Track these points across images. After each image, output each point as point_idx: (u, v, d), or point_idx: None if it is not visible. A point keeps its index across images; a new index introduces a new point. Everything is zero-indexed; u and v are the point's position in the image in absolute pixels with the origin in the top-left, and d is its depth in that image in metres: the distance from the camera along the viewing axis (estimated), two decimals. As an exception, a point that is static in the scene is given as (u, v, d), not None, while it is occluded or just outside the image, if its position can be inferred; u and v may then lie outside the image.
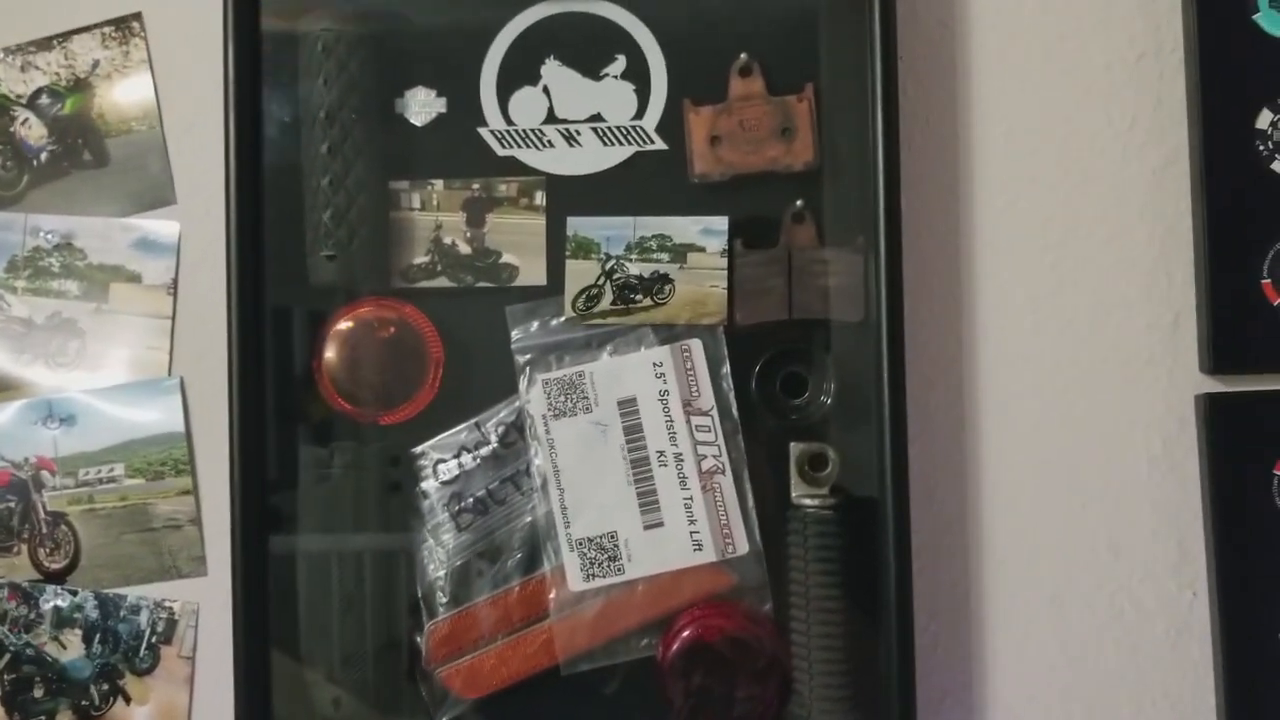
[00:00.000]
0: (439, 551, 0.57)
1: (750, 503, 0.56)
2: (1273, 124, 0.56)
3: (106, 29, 0.63)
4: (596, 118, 0.58)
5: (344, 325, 0.58)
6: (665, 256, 0.57)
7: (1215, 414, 0.56)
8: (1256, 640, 0.55)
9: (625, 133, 0.57)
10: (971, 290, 0.58)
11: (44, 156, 0.63)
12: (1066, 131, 0.57)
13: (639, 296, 0.57)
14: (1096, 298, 0.57)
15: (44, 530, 0.61)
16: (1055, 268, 0.57)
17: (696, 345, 0.57)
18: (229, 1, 0.56)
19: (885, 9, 0.54)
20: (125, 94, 0.63)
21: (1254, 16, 0.56)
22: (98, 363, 0.62)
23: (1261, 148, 0.56)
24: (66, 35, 0.63)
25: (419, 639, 0.57)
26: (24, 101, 0.63)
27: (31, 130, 0.63)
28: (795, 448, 0.56)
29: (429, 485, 0.57)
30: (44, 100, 0.63)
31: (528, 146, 0.58)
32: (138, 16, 0.63)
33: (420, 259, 0.58)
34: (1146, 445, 0.57)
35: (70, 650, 0.61)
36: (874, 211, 0.54)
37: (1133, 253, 0.57)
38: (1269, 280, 0.56)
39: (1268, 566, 0.56)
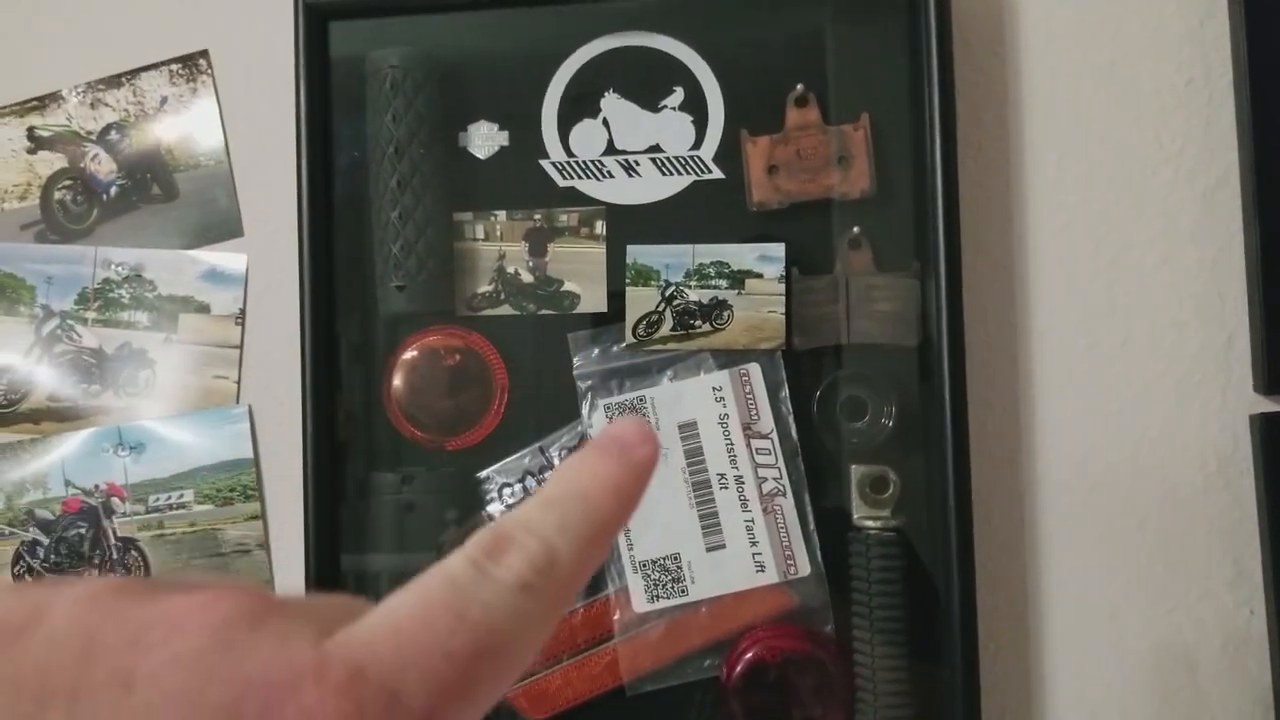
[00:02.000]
0: (505, 574, 0.58)
1: (811, 524, 0.57)
2: (1322, 146, 0.57)
3: (174, 66, 0.65)
4: (655, 148, 0.59)
5: (411, 354, 0.59)
6: (724, 283, 0.58)
7: (1269, 433, 0.56)
8: (1315, 657, 0.56)
9: (683, 163, 0.59)
10: (1027, 313, 0.58)
11: (113, 191, 0.65)
12: (1117, 156, 0.58)
13: (698, 322, 0.58)
14: (1150, 319, 0.58)
15: (114, 555, 0.63)
16: (1109, 290, 0.58)
17: (755, 369, 0.58)
18: (299, 38, 0.57)
19: (941, 39, 0.55)
20: (193, 129, 0.64)
21: (1301, 41, 0.57)
22: (167, 392, 0.63)
23: (1311, 170, 0.57)
24: (135, 73, 0.65)
25: (486, 660, 0.58)
26: (94, 138, 0.65)
27: (101, 165, 0.65)
28: (856, 470, 0.57)
29: (495, 509, 0.59)
30: (113, 136, 0.65)
31: (588, 177, 0.59)
32: (204, 54, 0.65)
33: (484, 288, 0.60)
34: (1202, 464, 0.58)
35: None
36: (933, 237, 0.55)
37: (1185, 274, 0.58)
38: (1321, 300, 0.57)
39: (1325, 584, 0.56)
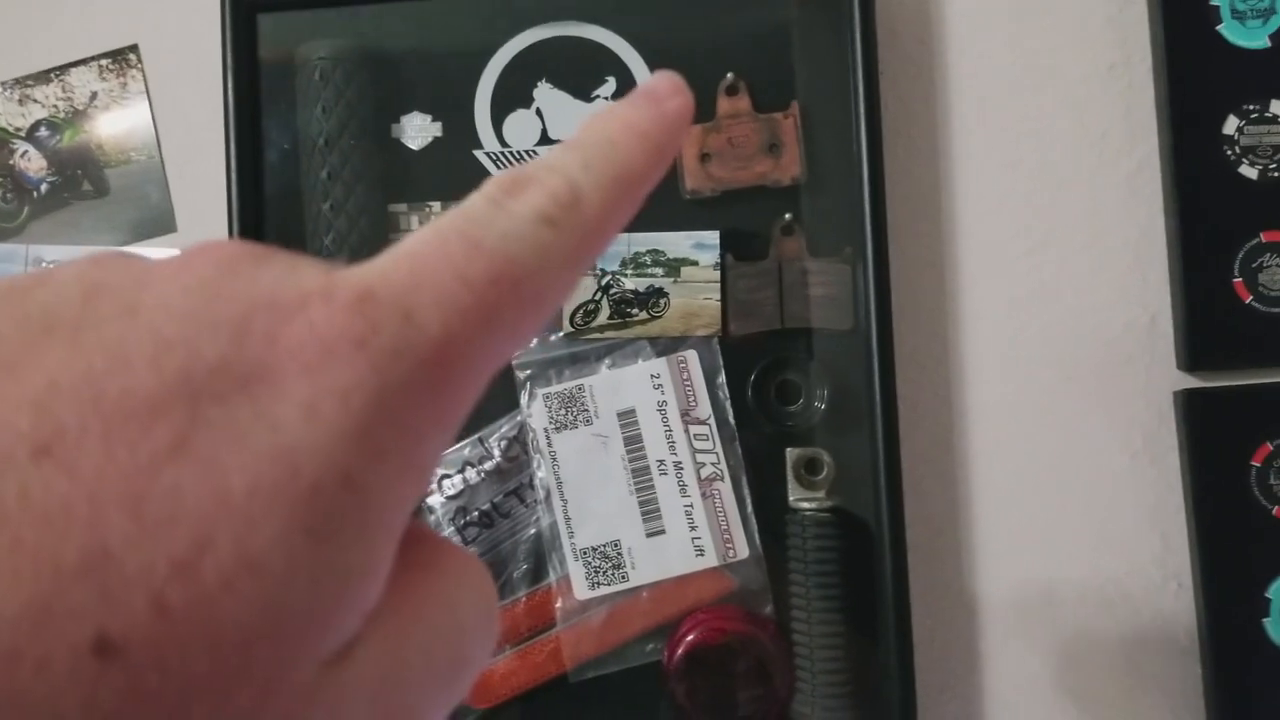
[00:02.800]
0: (446, 565, 0.58)
1: (749, 508, 0.57)
2: (1239, 130, 0.59)
3: (103, 61, 0.64)
4: (589, 138, 0.59)
5: (347, 346, 0.59)
6: (660, 271, 0.59)
7: (1193, 409, 0.58)
8: (1239, 628, 0.57)
9: (617, 152, 0.59)
10: (956, 296, 0.60)
11: (44, 188, 0.64)
12: (1042, 141, 0.60)
13: (635, 310, 0.59)
14: (1076, 300, 0.59)
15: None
16: (1035, 272, 0.59)
17: (693, 356, 0.58)
18: (227, 32, 0.57)
19: (866, 27, 0.56)
20: (124, 125, 0.64)
21: (1218, 27, 0.59)
22: (102, 389, 0.62)
23: (1229, 152, 0.59)
24: (64, 68, 0.64)
25: (428, 652, 0.58)
26: (23, 134, 0.64)
27: (31, 162, 0.64)
28: (791, 453, 0.57)
29: (434, 500, 0.59)
30: (43, 132, 0.64)
31: (523, 167, 0.59)
32: (134, 49, 0.64)
33: (420, 279, 0.59)
34: (1128, 442, 0.59)
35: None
36: (860, 222, 0.56)
37: (1109, 256, 0.59)
38: (1240, 279, 0.58)
39: (1248, 556, 0.58)
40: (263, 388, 0.13)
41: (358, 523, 0.13)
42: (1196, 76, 0.59)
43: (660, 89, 0.19)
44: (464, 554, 0.16)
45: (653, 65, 0.59)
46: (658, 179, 0.18)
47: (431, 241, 0.15)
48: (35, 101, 0.64)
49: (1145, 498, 0.59)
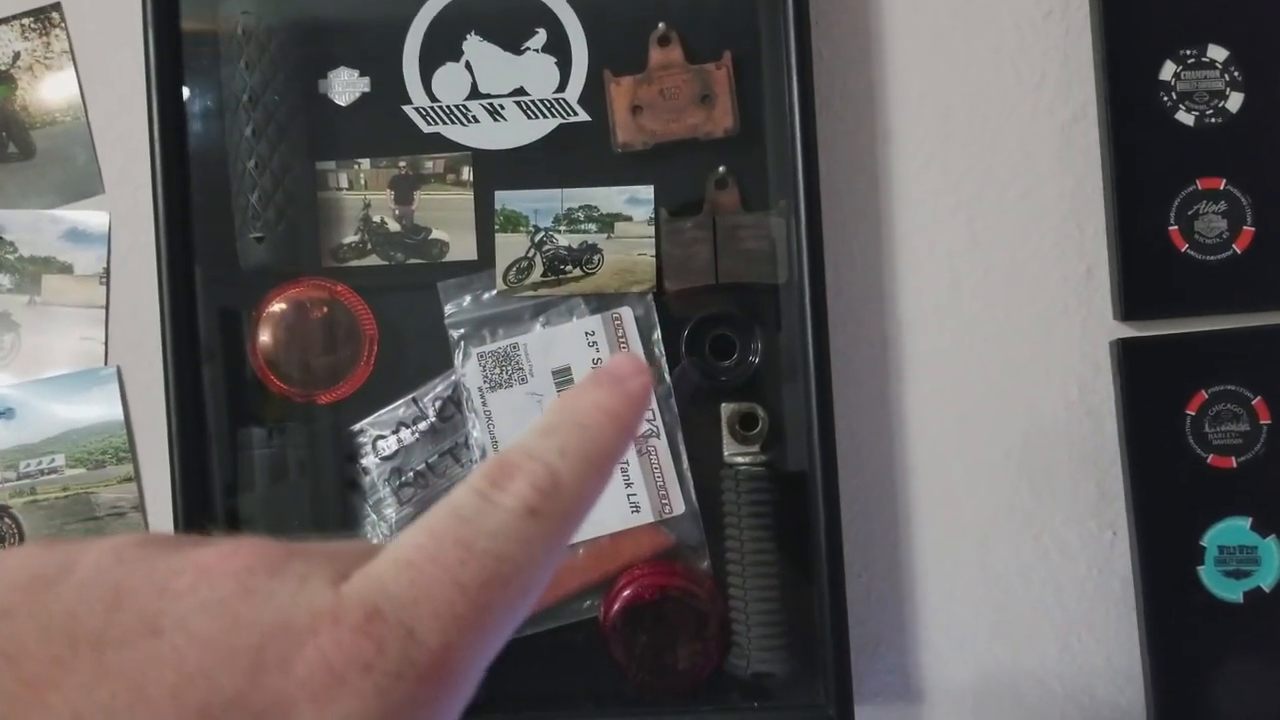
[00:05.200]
0: (382, 526, 0.58)
1: (685, 464, 0.57)
2: (1175, 75, 0.58)
3: (25, 20, 0.63)
4: (519, 91, 0.58)
5: (277, 307, 0.58)
6: (593, 227, 0.58)
7: (1128, 359, 0.58)
8: (1175, 576, 0.58)
9: (548, 105, 0.58)
10: (891, 249, 0.59)
11: (-32, 150, 0.63)
12: (978, 90, 0.59)
13: (569, 267, 0.58)
14: (1011, 251, 0.59)
15: (-12, 524, 0.62)
16: (970, 224, 0.59)
17: (627, 313, 0.58)
18: (146, -13, 0.56)
19: (796, -25, 0.55)
20: (48, 85, 0.62)
21: (1154, -28, 0.58)
22: (33, 355, 0.62)
23: (1165, 99, 0.58)
24: (-15, 27, 0.63)
25: (366, 612, 0.58)
26: (-55, 96, 0.63)
27: (-46, 124, 0.63)
28: (726, 408, 0.57)
29: (369, 461, 0.58)
30: (-35, 94, 0.63)
31: (452, 123, 0.58)
32: (57, 7, 0.62)
33: (350, 238, 0.59)
34: (1064, 392, 0.59)
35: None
36: (793, 175, 0.55)
37: (1045, 206, 0.59)
38: (1176, 227, 0.58)
39: (1183, 505, 0.58)
40: (276, 718, 0.14)
41: None
42: (1134, 20, 0.58)
43: (622, 370, 0.20)
44: None
45: (584, 16, 0.58)
46: (624, 455, 0.20)
47: (427, 548, 0.17)
48: (-43, 62, 0.63)
49: (1082, 448, 0.59)
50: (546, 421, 0.19)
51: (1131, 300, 0.58)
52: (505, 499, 0.17)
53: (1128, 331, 0.59)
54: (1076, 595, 0.59)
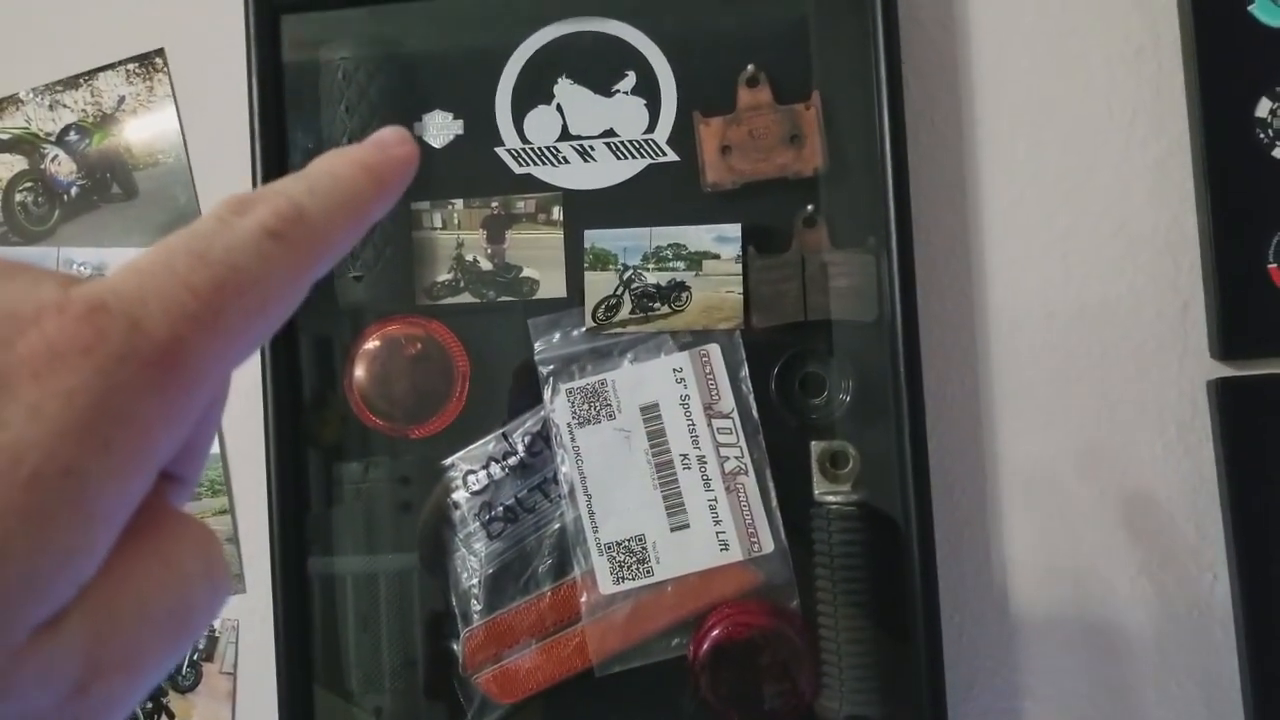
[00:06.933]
0: (471, 560, 0.59)
1: (774, 501, 0.57)
2: (1272, 112, 0.57)
3: (130, 65, 0.65)
4: (609, 133, 0.59)
5: (373, 344, 0.59)
6: (681, 265, 0.58)
7: (1227, 398, 0.57)
8: (1277, 620, 0.56)
9: (638, 146, 0.59)
10: (982, 285, 0.59)
11: (74, 191, 0.65)
12: (1069, 126, 0.59)
13: (657, 305, 0.58)
14: (1106, 288, 0.58)
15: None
16: (1064, 260, 0.58)
17: (715, 350, 0.58)
18: (251, 34, 0.57)
19: (887, 13, 0.55)
20: (151, 128, 0.65)
21: (1249, 7, 0.58)
22: (133, 389, 0.63)
23: (1262, 135, 0.57)
24: (92, 73, 0.65)
25: (455, 646, 0.58)
26: (53, 139, 0.65)
27: (61, 166, 0.65)
28: (816, 446, 0.57)
29: (460, 496, 0.59)
30: (72, 137, 0.65)
31: (543, 164, 0.59)
32: (160, 52, 0.65)
33: (444, 276, 0.60)
34: (1161, 431, 0.58)
35: (115, 670, 0.63)
36: (884, 212, 0.55)
37: (1139, 242, 0.58)
38: (1275, 265, 0.57)
39: (1286, 546, 0.56)
40: None
41: (75, 508, 0.15)
42: (1228, 58, 0.57)
43: (387, 138, 0.21)
44: (184, 515, 0.18)
45: (673, 59, 0.59)
46: (380, 211, 0.20)
47: (159, 257, 0.17)
48: (65, 106, 0.65)
49: (1179, 488, 0.58)
50: (300, 171, 0.19)
51: (1229, 339, 0.57)
52: (244, 220, 0.17)
53: (1225, 370, 0.58)
54: (1175, 640, 0.58)
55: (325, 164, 0.20)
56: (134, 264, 0.17)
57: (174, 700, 0.63)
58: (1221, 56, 0.57)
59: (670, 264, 0.59)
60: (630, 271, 0.59)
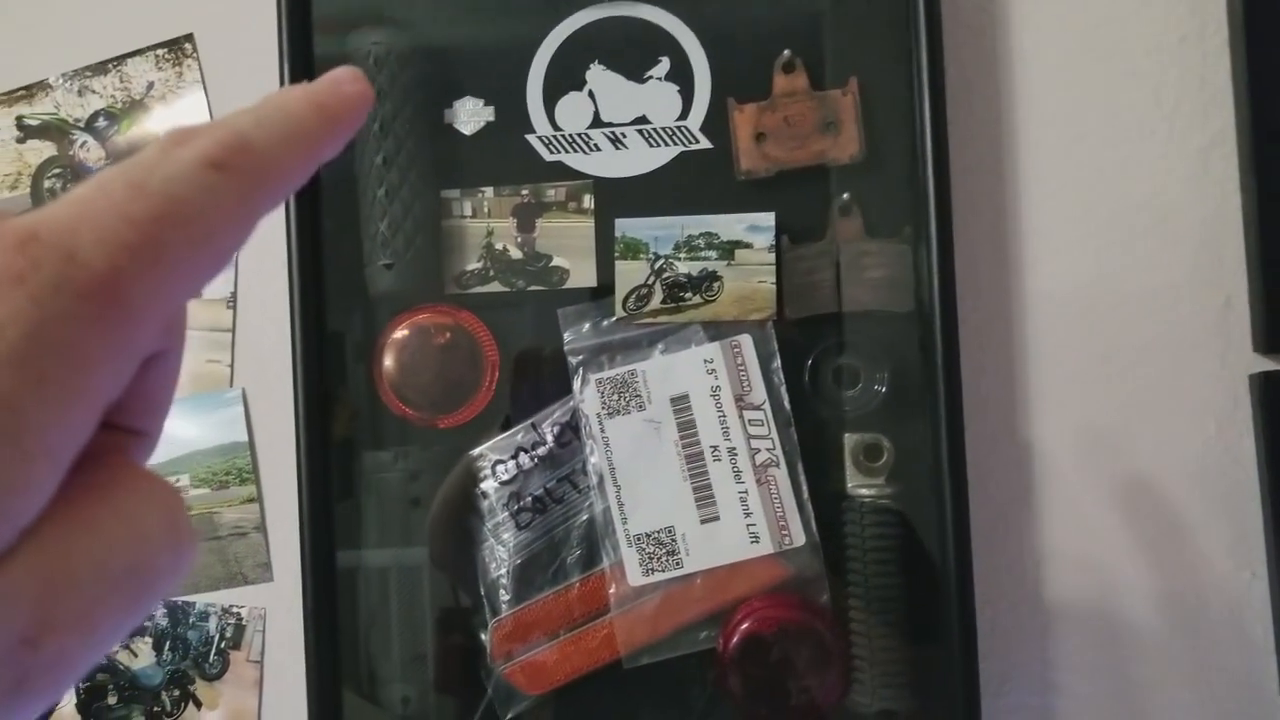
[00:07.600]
0: (500, 550, 0.58)
1: (805, 494, 0.56)
2: (1319, 101, 0.56)
3: (160, 51, 0.65)
4: (641, 120, 0.58)
5: (401, 333, 0.59)
6: (713, 254, 0.58)
7: (1269, 393, 0.56)
8: (1319, 619, 0.55)
9: (670, 133, 0.58)
10: (1020, 277, 0.58)
11: (103, 177, 0.65)
12: (1110, 115, 0.58)
13: (688, 295, 0.58)
14: (1146, 281, 0.57)
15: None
16: (1103, 252, 0.57)
17: (746, 340, 0.58)
18: (283, 19, 0.57)
19: None
20: (180, 114, 0.64)
21: (1297, -6, 0.56)
22: (161, 376, 0.63)
23: (1308, 125, 0.56)
24: (121, 59, 0.65)
25: (483, 636, 0.58)
26: (82, 125, 0.65)
27: (90, 153, 0.65)
28: (850, 438, 0.56)
29: (488, 486, 0.59)
30: (101, 123, 0.65)
31: (575, 151, 0.59)
32: (189, 38, 0.64)
33: (473, 265, 0.59)
34: (1201, 427, 0.57)
35: (141, 658, 0.63)
36: (923, 201, 0.54)
37: (1181, 235, 0.57)
38: (1320, 258, 0.56)
39: (1328, 545, 0.55)
40: None
41: (11, 442, 0.14)
42: (1276, 47, 0.56)
43: (341, 76, 0.20)
44: (146, 472, 0.18)
45: (707, 44, 0.58)
46: (330, 150, 0.19)
47: (97, 188, 0.16)
48: (93, 92, 0.65)
49: (1218, 484, 0.57)
50: (250, 105, 0.19)
51: (1273, 333, 0.56)
52: (185, 151, 0.17)
53: (1268, 365, 0.57)
54: (1212, 638, 0.57)
55: (276, 99, 0.19)
56: (71, 195, 0.16)
57: (201, 688, 0.63)
58: (1270, 45, 0.56)
59: (702, 253, 0.58)
60: (661, 261, 0.58)
